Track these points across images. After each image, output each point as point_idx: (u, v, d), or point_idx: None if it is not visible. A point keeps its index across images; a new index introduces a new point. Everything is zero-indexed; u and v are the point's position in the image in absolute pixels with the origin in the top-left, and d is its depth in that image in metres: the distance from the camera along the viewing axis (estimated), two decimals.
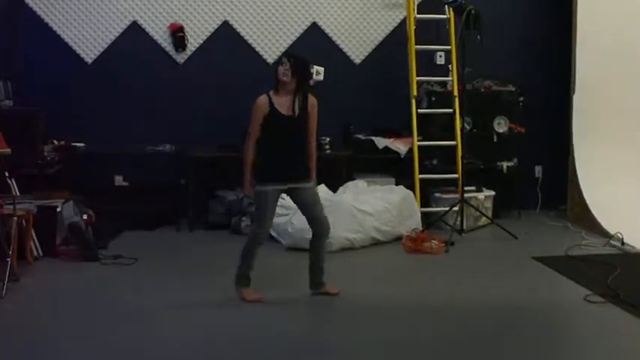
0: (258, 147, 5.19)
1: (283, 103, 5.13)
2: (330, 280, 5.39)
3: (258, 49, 8.25)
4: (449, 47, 8.00)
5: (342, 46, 8.34)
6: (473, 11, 7.03)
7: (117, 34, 8.11)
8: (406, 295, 5.45)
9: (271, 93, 5.16)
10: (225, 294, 5.35)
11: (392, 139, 7.94)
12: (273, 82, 5.18)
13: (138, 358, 4.28)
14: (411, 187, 7.57)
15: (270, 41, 8.26)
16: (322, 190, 6.69)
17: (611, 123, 7.73)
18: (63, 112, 7.83)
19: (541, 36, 8.54)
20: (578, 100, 7.84)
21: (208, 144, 7.78)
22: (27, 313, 5.11)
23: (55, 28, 8.05)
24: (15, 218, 5.83)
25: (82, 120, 7.97)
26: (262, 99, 5.14)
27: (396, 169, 7.94)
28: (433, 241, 6.75)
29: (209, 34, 8.20)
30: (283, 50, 8.14)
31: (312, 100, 5.21)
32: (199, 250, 6.89)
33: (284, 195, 5.41)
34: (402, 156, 7.87)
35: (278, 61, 5.24)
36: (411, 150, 7.82)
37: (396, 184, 7.64)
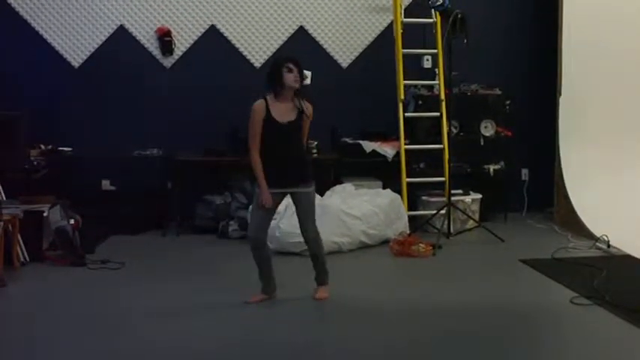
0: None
1: (281, 110, 5.11)
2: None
3: (245, 53, 8.25)
4: (435, 51, 8.03)
5: (329, 49, 8.36)
6: (459, 15, 7.06)
7: (104, 39, 8.09)
8: (393, 298, 5.46)
9: (269, 98, 5.12)
10: (212, 298, 5.36)
11: (379, 143, 7.96)
12: (264, 86, 5.15)
13: None
14: (398, 190, 7.59)
15: (257, 45, 8.26)
16: None
17: (597, 126, 7.78)
18: (50, 117, 7.81)
19: (527, 39, 8.59)
20: (564, 103, 7.88)
21: (195, 148, 7.77)
22: (13, 319, 5.09)
23: (41, 32, 8.02)
24: (1, 223, 5.81)
25: (68, 124, 7.95)
26: (259, 104, 5.09)
27: (384, 173, 7.94)
28: (420, 244, 6.76)
29: (196, 38, 8.20)
30: (270, 54, 8.16)
31: (308, 106, 5.22)
32: (186, 254, 6.87)
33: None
34: (390, 159, 7.88)
35: (278, 66, 5.10)
36: (398, 153, 7.83)
37: (384, 188, 7.65)
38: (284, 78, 5.07)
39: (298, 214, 5.27)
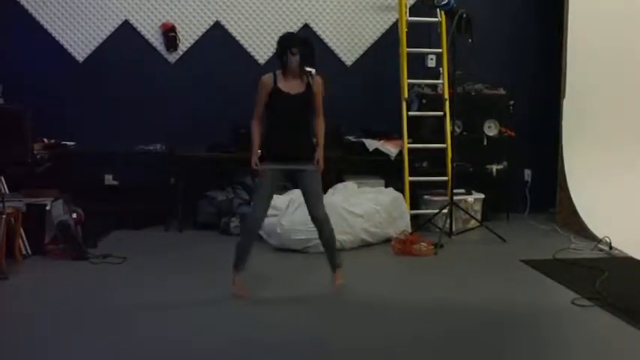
0: (264, 125, 5.23)
1: (289, 83, 5.18)
2: (321, 280, 5.39)
3: (249, 49, 8.25)
4: (440, 50, 8.02)
5: (333, 47, 8.35)
6: (464, 14, 7.05)
7: (108, 33, 8.10)
8: (394, 296, 5.46)
9: (278, 72, 5.21)
10: (214, 294, 5.36)
11: (382, 141, 7.95)
12: (276, 67, 5.24)
13: (126, 357, 4.28)
14: (400, 189, 7.58)
15: (262, 42, 8.25)
16: None
17: (600, 128, 7.77)
18: (53, 111, 7.80)
19: (532, 40, 8.60)
20: (567, 104, 7.87)
21: (199, 144, 7.77)
22: (15, 312, 5.09)
23: (46, 26, 8.03)
24: (4, 216, 5.82)
25: (72, 119, 7.95)
26: (267, 77, 5.21)
27: (386, 171, 7.94)
28: (422, 243, 6.76)
29: (201, 34, 8.20)
30: (274, 52, 8.14)
31: (317, 79, 5.26)
32: (188, 249, 6.88)
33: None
34: (392, 158, 7.88)
35: (284, 49, 5.19)
36: (401, 152, 7.82)
37: (386, 186, 7.65)
38: (288, 60, 5.16)
39: (305, 195, 5.27)
